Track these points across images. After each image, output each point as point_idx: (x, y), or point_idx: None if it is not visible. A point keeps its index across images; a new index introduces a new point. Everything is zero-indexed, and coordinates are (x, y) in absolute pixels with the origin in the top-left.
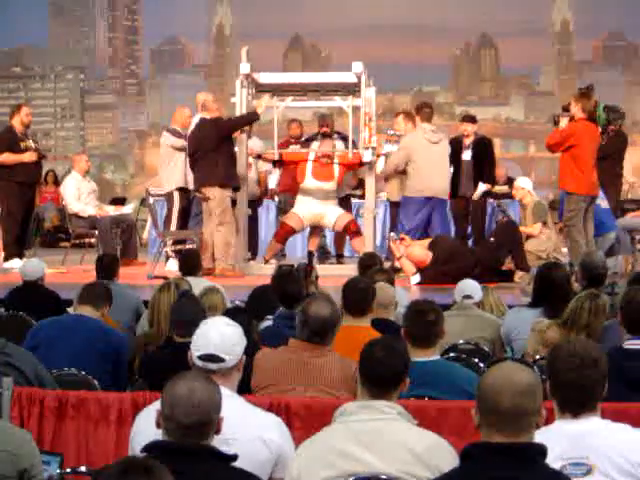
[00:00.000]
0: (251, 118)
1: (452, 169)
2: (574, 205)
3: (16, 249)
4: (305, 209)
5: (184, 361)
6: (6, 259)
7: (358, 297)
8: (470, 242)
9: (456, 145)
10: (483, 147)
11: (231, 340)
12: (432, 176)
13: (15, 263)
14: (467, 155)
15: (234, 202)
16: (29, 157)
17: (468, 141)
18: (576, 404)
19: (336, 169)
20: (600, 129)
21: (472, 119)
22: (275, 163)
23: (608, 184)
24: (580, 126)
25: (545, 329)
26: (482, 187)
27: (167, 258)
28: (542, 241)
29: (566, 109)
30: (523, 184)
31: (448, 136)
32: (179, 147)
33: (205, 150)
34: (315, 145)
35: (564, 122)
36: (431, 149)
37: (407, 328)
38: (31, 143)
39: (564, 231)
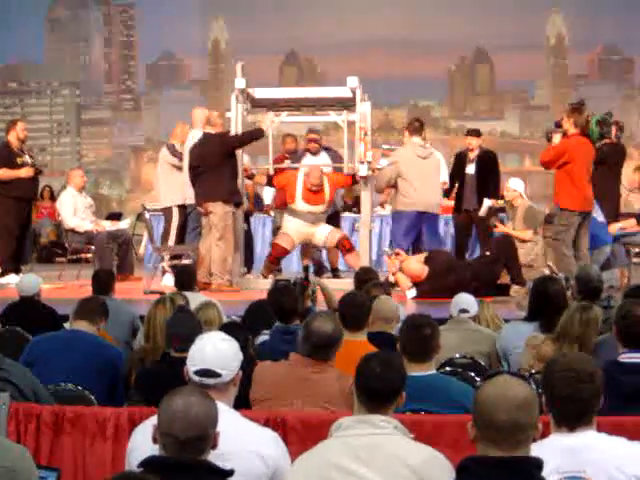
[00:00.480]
0: (257, 135)
1: (457, 183)
2: (565, 221)
3: (12, 264)
4: (294, 229)
5: (180, 376)
6: (2, 275)
7: (355, 312)
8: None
9: (461, 159)
10: (488, 161)
11: (227, 355)
12: (422, 191)
13: (12, 279)
14: (471, 169)
15: None
16: (25, 172)
17: (473, 155)
18: (572, 418)
19: (327, 191)
20: (594, 143)
21: (476, 133)
22: (268, 184)
23: (606, 195)
24: (573, 142)
25: (539, 344)
26: (487, 203)
27: (163, 273)
28: (529, 250)
29: (559, 125)
30: (514, 186)
31: (442, 151)
32: (176, 165)
33: (209, 165)
34: (306, 160)
35: (557, 138)
36: (420, 164)
37: (403, 343)
38: (27, 158)
39: (551, 244)
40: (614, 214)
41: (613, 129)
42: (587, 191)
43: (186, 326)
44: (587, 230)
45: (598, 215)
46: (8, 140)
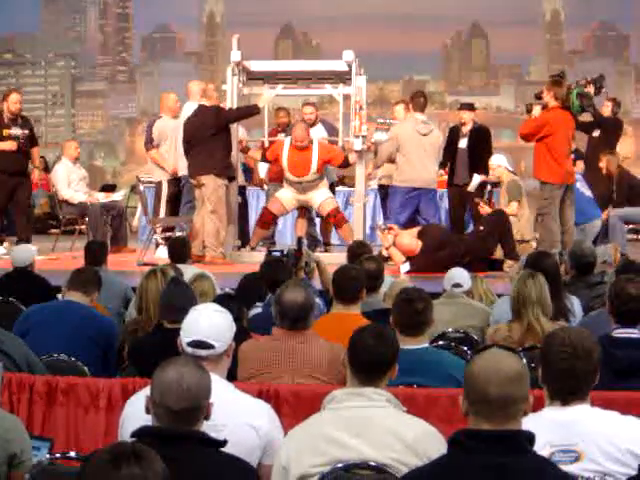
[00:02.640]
0: (252, 111)
1: (450, 157)
2: (548, 194)
3: None
4: (285, 196)
5: (173, 347)
6: None
7: (349, 285)
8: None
9: (454, 133)
10: (480, 136)
11: (220, 326)
12: (419, 167)
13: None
14: (463, 143)
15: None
16: (7, 146)
17: (465, 129)
18: (567, 392)
19: (314, 162)
20: (575, 116)
21: (470, 107)
22: (262, 160)
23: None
24: (553, 114)
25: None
26: (477, 178)
27: (157, 245)
28: (515, 222)
29: (539, 97)
30: (498, 161)
31: (439, 126)
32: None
33: (202, 137)
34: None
35: (537, 110)
36: (420, 140)
37: (395, 316)
38: (16, 130)
39: (538, 220)
40: (608, 190)
41: (610, 105)
42: (567, 164)
43: (180, 297)
44: (572, 203)
45: (585, 190)
46: (2, 110)
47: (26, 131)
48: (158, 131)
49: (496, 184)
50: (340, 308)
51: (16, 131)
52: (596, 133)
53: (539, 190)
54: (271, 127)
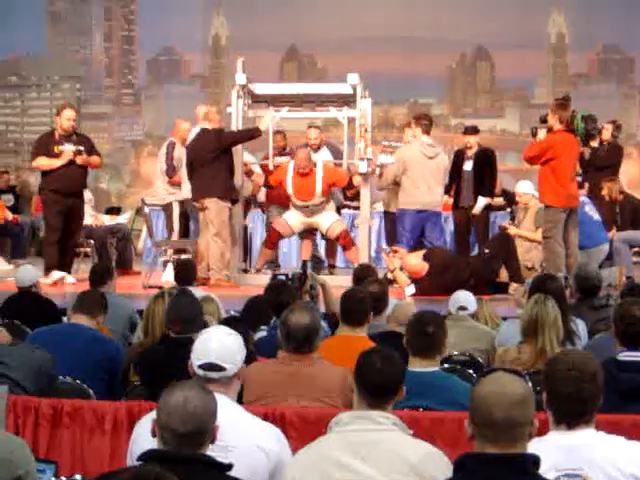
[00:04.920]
0: (253, 134)
1: (455, 180)
2: (552, 217)
3: (57, 263)
4: (295, 217)
5: (179, 356)
6: (47, 272)
7: (356, 307)
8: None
9: (459, 156)
10: (485, 159)
11: (231, 349)
12: (425, 190)
13: (55, 275)
14: (468, 166)
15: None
16: (63, 158)
17: (470, 152)
18: (572, 416)
19: (318, 186)
20: (580, 139)
21: (474, 130)
22: (265, 185)
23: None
24: (558, 138)
25: (516, 356)
26: (482, 201)
27: (165, 264)
28: (527, 249)
29: (544, 120)
30: (525, 189)
31: (444, 149)
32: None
33: (204, 160)
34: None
35: (542, 133)
36: (426, 163)
37: (407, 337)
38: (68, 147)
39: (542, 243)
40: (612, 214)
41: (610, 128)
42: (571, 187)
43: (186, 308)
44: (575, 226)
45: (593, 213)
46: (55, 126)
47: (81, 148)
48: (177, 158)
49: (500, 208)
50: (346, 330)
51: (69, 148)
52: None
53: (543, 213)
54: (266, 151)
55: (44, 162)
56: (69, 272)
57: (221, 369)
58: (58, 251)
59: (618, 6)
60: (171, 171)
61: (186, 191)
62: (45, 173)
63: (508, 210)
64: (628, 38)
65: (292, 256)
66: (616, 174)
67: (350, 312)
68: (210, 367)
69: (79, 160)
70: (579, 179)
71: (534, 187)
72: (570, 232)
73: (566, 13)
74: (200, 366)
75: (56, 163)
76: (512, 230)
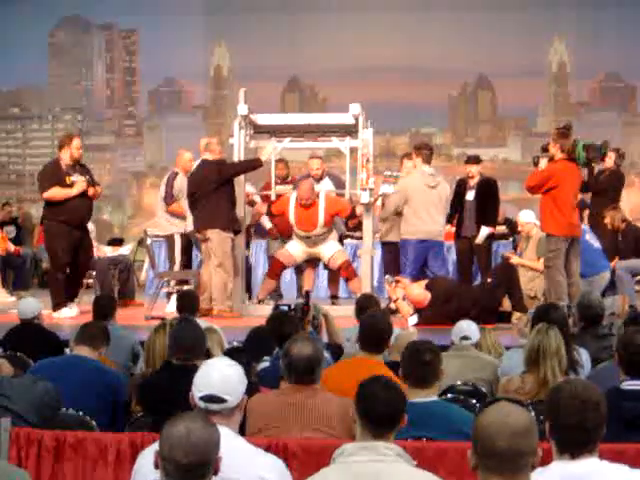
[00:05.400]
0: (254, 165)
1: (457, 210)
2: (554, 246)
3: (64, 297)
4: (298, 247)
5: (181, 384)
6: (56, 308)
7: (376, 335)
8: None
9: (461, 186)
10: (487, 188)
11: (232, 381)
12: (427, 220)
13: (65, 312)
14: (470, 196)
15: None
16: (78, 188)
17: (473, 182)
18: (576, 445)
19: (321, 216)
20: (582, 168)
21: (476, 160)
22: (268, 215)
23: (603, 222)
24: (560, 167)
25: (520, 385)
26: (485, 231)
27: (169, 296)
28: (530, 278)
29: (545, 149)
30: (527, 218)
31: (445, 179)
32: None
33: (205, 192)
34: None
35: (544, 163)
36: (428, 193)
37: (404, 368)
38: (77, 178)
39: (544, 272)
40: (614, 242)
41: (612, 156)
42: (573, 216)
43: (189, 335)
44: (577, 255)
45: (594, 241)
46: (59, 157)
47: (87, 177)
48: (177, 188)
49: (502, 237)
50: (364, 354)
51: (78, 178)
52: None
53: (545, 242)
54: (267, 180)
55: (58, 193)
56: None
57: (222, 401)
58: (65, 284)
59: (619, 34)
60: (169, 198)
61: (190, 222)
62: (52, 204)
63: (510, 239)
64: (629, 66)
65: (293, 287)
66: (616, 201)
67: (370, 340)
68: (211, 399)
69: (91, 191)
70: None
71: (536, 216)
72: (572, 261)
73: (567, 42)
74: (201, 398)
75: (70, 193)
76: (515, 260)
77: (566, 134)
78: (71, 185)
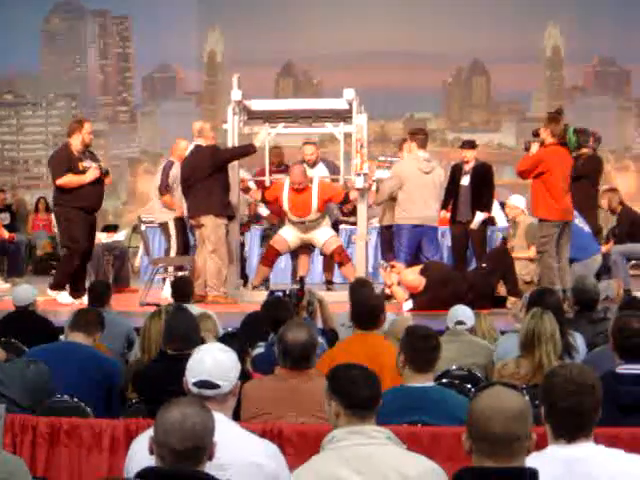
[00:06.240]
0: (248, 150)
1: (452, 195)
2: (546, 231)
3: (70, 282)
4: (292, 233)
5: (176, 374)
6: (55, 288)
7: (367, 311)
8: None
9: (456, 171)
10: (482, 173)
11: (226, 366)
12: (421, 205)
13: (64, 298)
14: (465, 181)
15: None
16: (91, 175)
17: (468, 167)
18: (571, 430)
19: (314, 202)
20: (572, 152)
21: (471, 145)
22: (262, 201)
23: (584, 207)
24: (550, 151)
25: (514, 369)
26: (480, 216)
27: (163, 281)
28: (525, 264)
29: (536, 134)
30: (516, 202)
31: (440, 164)
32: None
33: (199, 178)
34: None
35: (535, 147)
36: (423, 178)
37: (409, 353)
38: (89, 164)
39: (537, 258)
40: (594, 227)
41: (591, 139)
42: (565, 201)
43: (183, 325)
44: (568, 240)
45: (584, 225)
46: (69, 142)
47: (102, 164)
48: (173, 176)
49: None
50: (360, 331)
51: (91, 164)
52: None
53: (535, 228)
54: (261, 166)
55: (73, 179)
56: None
57: (215, 386)
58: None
59: (614, 19)
60: (163, 188)
61: (184, 208)
62: (65, 190)
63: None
64: (624, 51)
65: (287, 275)
66: (595, 186)
67: (362, 318)
68: (204, 385)
69: (108, 180)
70: None
71: (526, 202)
72: (562, 246)
73: (562, 26)
74: (194, 384)
75: (85, 180)
76: (515, 254)
77: (557, 119)
78: (84, 171)
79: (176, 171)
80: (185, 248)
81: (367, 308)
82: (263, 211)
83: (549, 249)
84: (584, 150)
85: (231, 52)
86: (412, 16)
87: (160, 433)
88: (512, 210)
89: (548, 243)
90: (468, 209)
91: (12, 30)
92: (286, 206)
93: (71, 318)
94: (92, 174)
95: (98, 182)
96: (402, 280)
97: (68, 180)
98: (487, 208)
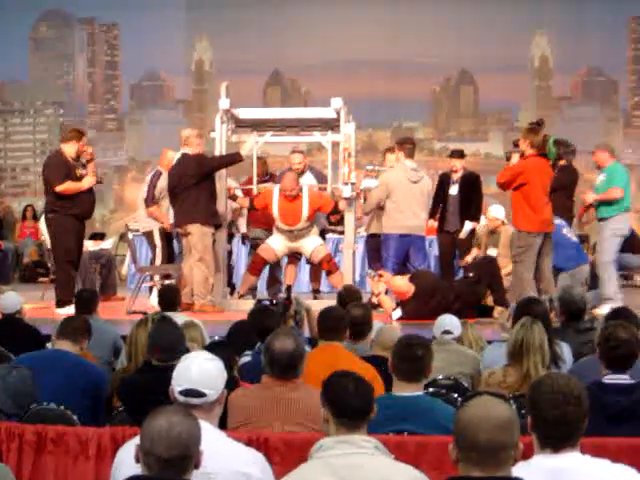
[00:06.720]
0: (235, 159)
1: (440, 204)
2: (523, 242)
3: (70, 294)
4: (279, 242)
5: (162, 385)
6: (60, 305)
7: (332, 325)
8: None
9: (444, 180)
10: (471, 183)
11: (212, 375)
12: (409, 214)
13: (67, 310)
14: (454, 190)
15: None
16: (88, 182)
17: (456, 176)
18: (558, 439)
19: (305, 210)
20: (552, 163)
21: (460, 154)
22: (249, 210)
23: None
24: (529, 163)
25: (502, 379)
26: (468, 225)
27: (150, 290)
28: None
29: (517, 145)
30: (496, 213)
31: (427, 173)
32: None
33: (185, 186)
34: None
35: (516, 158)
36: (410, 187)
37: (395, 361)
38: (83, 171)
39: (512, 267)
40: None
41: (570, 150)
42: (544, 212)
43: (168, 336)
44: (549, 251)
45: (571, 235)
46: (62, 150)
47: (95, 171)
48: (160, 188)
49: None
50: (323, 342)
51: (84, 172)
52: None
53: (515, 238)
54: (247, 176)
55: (72, 186)
56: None
57: (202, 395)
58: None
59: (601, 29)
60: (149, 201)
61: (171, 216)
62: (62, 197)
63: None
64: (611, 61)
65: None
66: (571, 197)
67: (327, 329)
68: (191, 393)
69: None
70: None
71: (506, 212)
72: (544, 258)
73: (549, 36)
74: (181, 392)
75: (82, 187)
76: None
77: (535, 130)
78: (80, 178)
79: (164, 182)
80: (169, 258)
81: (330, 320)
82: (241, 227)
83: (525, 259)
84: (561, 161)
85: (219, 61)
86: (400, 25)
87: (146, 441)
88: (492, 222)
89: (524, 253)
90: (457, 219)
91: (0, 38)
92: (276, 214)
93: (58, 326)
94: (88, 182)
95: (89, 190)
96: (391, 285)
97: (67, 187)
98: (476, 218)
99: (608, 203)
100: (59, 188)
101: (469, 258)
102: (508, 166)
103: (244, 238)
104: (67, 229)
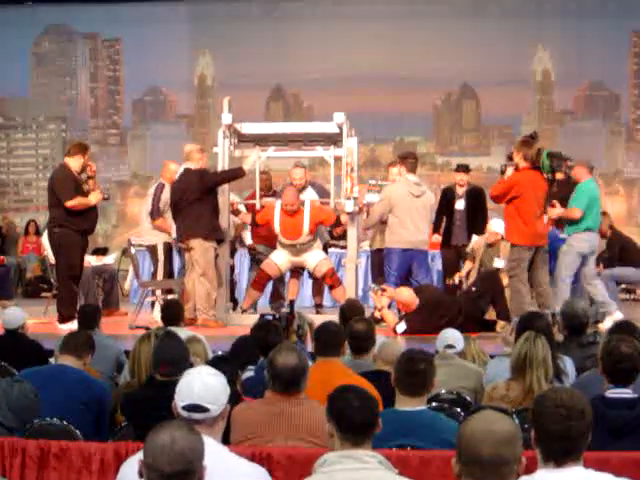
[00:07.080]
0: (237, 174)
1: (444, 218)
2: (516, 255)
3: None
4: (283, 256)
5: (165, 400)
6: (63, 321)
7: (328, 340)
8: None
9: (450, 194)
10: (477, 197)
11: (215, 390)
12: (412, 229)
13: (70, 326)
14: (460, 205)
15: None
16: (95, 198)
17: (462, 191)
18: (561, 454)
19: (306, 225)
20: (546, 176)
21: (466, 168)
22: (252, 225)
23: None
24: (522, 176)
25: (505, 393)
26: (476, 239)
27: (153, 305)
28: None
29: (511, 158)
30: (496, 228)
31: (430, 187)
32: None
33: (188, 201)
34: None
35: (510, 171)
36: (413, 202)
37: (397, 375)
38: (87, 186)
39: (507, 282)
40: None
41: (564, 164)
42: (537, 225)
43: (172, 351)
44: (544, 264)
45: None
46: (67, 164)
47: (100, 187)
48: (164, 200)
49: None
50: (320, 358)
51: (89, 188)
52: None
53: (509, 252)
54: (251, 190)
55: (82, 201)
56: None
57: (205, 410)
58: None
59: (603, 43)
60: (155, 213)
61: (173, 231)
62: (73, 212)
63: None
64: (613, 75)
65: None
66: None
67: (323, 344)
68: (194, 408)
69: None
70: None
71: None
72: (539, 271)
73: (552, 50)
74: (184, 407)
75: (90, 202)
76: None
77: (529, 143)
78: (87, 193)
79: (167, 194)
80: (170, 273)
81: (326, 335)
82: (247, 239)
83: (519, 273)
84: (558, 175)
85: (222, 76)
86: (402, 41)
87: (149, 456)
88: (492, 235)
89: (518, 267)
90: (464, 232)
91: (2, 53)
92: (278, 229)
93: (61, 341)
94: (96, 197)
95: (94, 205)
96: (397, 297)
97: (78, 202)
98: (482, 232)
99: (569, 220)
100: (70, 203)
101: (463, 271)
102: (502, 179)
103: (251, 250)
104: (73, 244)
